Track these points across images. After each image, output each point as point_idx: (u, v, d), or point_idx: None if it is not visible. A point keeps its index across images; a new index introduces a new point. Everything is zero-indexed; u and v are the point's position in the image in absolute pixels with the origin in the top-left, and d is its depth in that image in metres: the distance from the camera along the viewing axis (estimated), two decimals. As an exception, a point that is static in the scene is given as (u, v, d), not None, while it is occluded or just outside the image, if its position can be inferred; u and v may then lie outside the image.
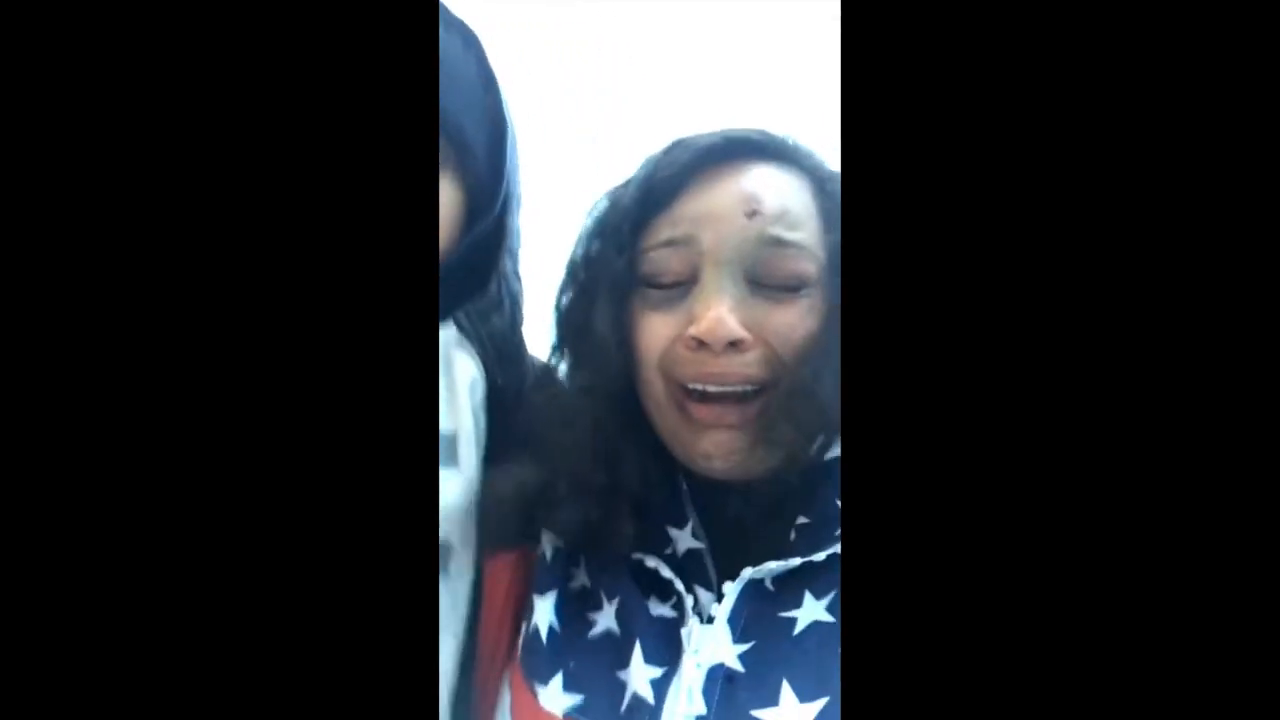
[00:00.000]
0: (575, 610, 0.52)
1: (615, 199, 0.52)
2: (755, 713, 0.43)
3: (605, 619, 0.51)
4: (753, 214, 0.46)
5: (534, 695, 0.49)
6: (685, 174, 0.48)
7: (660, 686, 0.46)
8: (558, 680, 0.49)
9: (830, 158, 0.51)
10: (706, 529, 0.51)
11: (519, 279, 0.59)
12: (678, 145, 0.50)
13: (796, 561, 0.46)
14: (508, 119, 0.54)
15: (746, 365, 0.46)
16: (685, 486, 0.52)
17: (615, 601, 0.51)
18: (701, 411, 0.47)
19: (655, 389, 0.49)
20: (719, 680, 0.45)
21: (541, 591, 0.53)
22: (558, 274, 0.55)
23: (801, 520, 0.47)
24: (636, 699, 0.46)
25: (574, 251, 0.54)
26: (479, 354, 0.57)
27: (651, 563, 0.49)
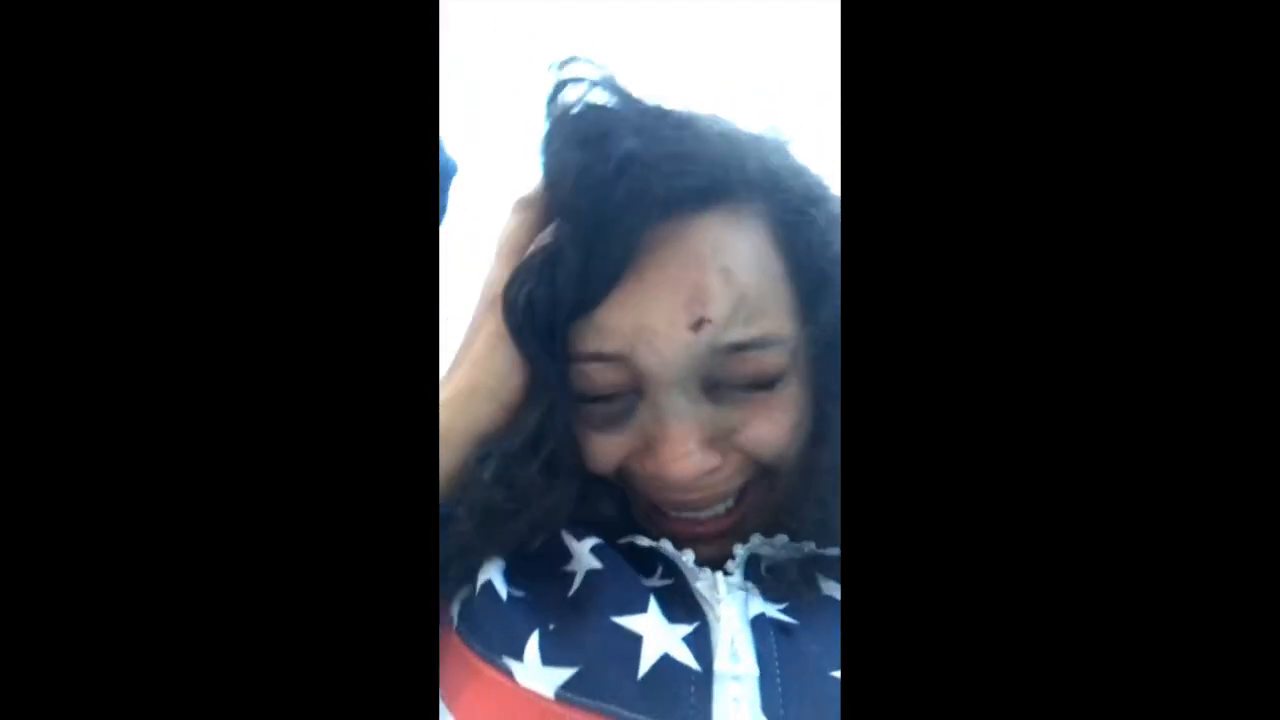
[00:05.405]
0: (537, 569, 0.39)
1: (535, 266, 0.38)
2: (834, 674, 0.31)
3: (582, 563, 0.38)
4: (699, 324, 0.35)
5: (508, 674, 0.33)
6: (621, 260, 0.35)
7: (698, 644, 0.33)
8: (533, 647, 0.33)
9: (825, 172, 0.41)
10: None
11: None
12: (604, 200, 0.35)
13: (809, 546, 0.38)
14: None
15: (724, 482, 0.38)
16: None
17: (589, 540, 0.38)
18: (677, 525, 0.39)
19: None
20: (769, 631, 0.33)
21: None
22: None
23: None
24: (668, 661, 0.32)
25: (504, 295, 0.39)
26: None
27: (645, 542, 0.38)
